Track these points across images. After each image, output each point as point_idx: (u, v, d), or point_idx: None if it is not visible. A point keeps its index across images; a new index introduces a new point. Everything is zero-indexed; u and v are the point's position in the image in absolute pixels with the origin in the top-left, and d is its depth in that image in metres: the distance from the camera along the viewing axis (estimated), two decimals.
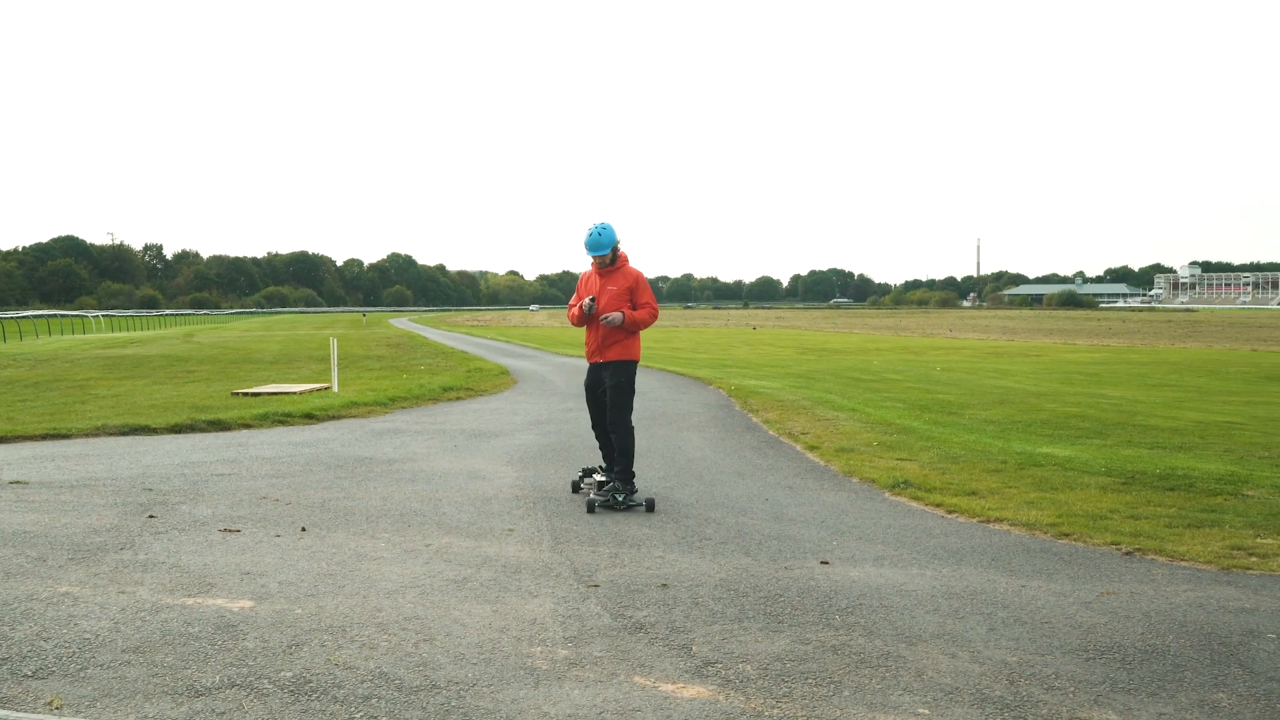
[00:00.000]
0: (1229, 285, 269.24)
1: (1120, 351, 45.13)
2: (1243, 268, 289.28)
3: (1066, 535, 7.85)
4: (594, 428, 9.66)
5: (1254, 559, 7.09)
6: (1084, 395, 21.71)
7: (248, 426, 14.70)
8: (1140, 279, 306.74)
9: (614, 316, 9.21)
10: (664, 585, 6.29)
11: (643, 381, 24.52)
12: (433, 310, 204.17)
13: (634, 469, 9.34)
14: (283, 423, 15.07)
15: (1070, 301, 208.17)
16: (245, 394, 19.72)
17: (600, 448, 9.73)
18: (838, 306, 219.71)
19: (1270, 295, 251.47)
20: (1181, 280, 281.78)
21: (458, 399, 19.60)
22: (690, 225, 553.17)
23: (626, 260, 9.47)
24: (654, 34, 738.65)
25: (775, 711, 4.46)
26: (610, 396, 9.33)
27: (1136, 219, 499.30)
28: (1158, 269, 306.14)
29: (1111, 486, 9.88)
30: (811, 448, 12.65)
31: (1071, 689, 4.75)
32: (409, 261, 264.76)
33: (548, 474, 10.70)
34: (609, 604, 5.88)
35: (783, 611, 5.79)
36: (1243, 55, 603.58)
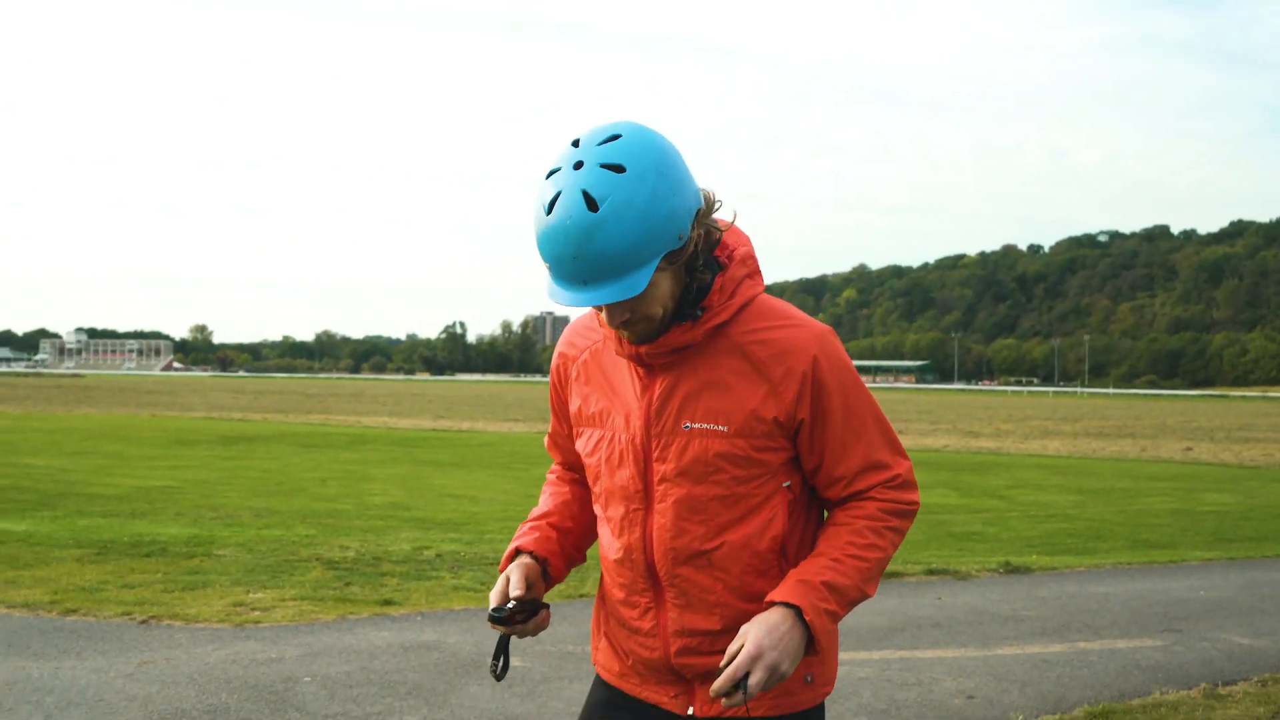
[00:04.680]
0: (115, 352, 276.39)
1: (22, 419, 43.61)
2: (128, 335, 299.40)
3: (73, 611, 7.68)
4: None
5: (257, 613, 7.70)
6: (7, 465, 20.77)
7: None
8: (25, 344, 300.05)
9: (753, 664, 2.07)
10: None
11: None
12: None
13: None
14: None
15: None
16: None
17: None
18: None
19: (154, 361, 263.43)
20: (68, 346, 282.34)
21: None
22: None
23: (755, 285, 2.20)
24: None
25: None
26: None
27: (15, 284, 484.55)
28: (43, 334, 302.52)
29: (88, 558, 9.84)
30: None
31: None
32: None
33: None
34: None
35: None
36: None
